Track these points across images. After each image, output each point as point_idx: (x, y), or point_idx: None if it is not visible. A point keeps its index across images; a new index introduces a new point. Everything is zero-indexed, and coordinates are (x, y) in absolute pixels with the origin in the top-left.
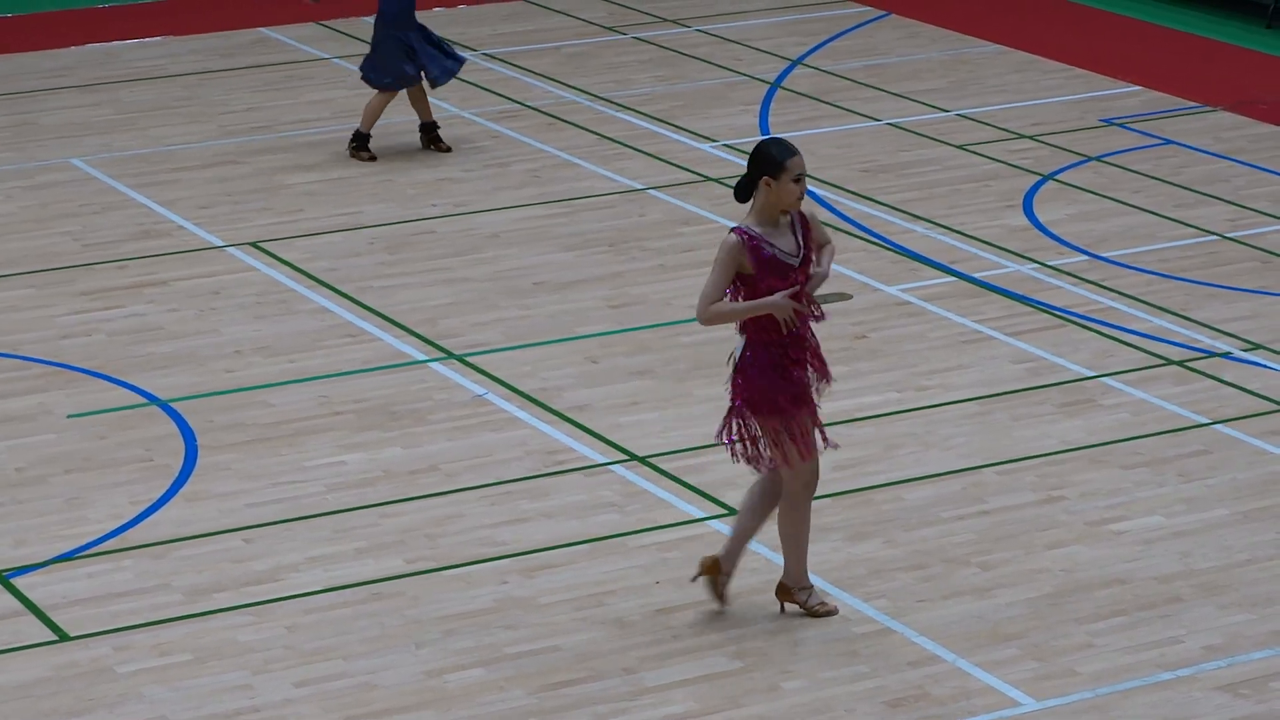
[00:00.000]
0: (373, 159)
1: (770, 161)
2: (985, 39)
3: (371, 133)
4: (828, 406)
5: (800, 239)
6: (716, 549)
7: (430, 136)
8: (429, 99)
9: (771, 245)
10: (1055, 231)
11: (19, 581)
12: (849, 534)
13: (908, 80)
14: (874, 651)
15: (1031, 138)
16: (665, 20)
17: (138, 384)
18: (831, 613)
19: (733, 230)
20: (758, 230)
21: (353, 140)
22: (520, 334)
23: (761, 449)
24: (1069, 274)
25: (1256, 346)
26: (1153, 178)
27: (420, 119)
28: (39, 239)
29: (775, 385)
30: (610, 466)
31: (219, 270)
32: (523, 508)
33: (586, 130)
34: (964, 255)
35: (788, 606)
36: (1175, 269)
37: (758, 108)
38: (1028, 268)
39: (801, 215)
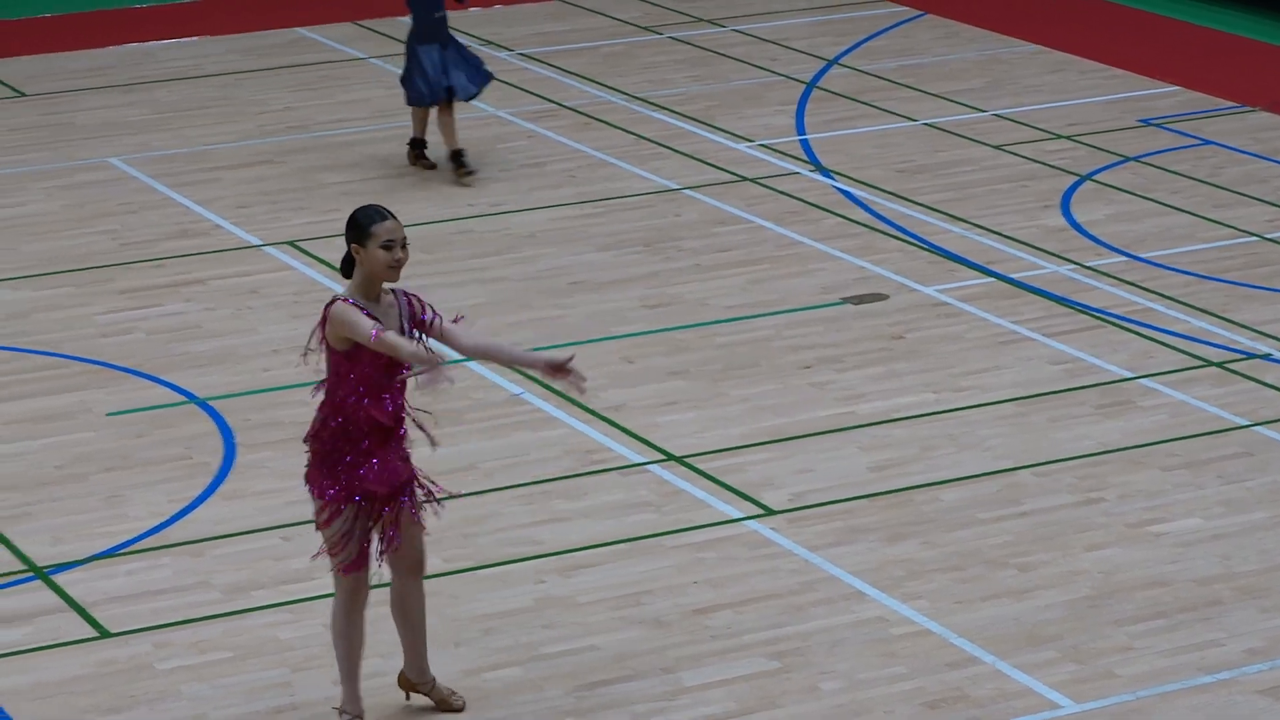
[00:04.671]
0: (431, 167)
1: (355, 227)
2: (1022, 39)
3: (426, 139)
4: (864, 407)
5: (407, 324)
6: (752, 549)
7: (456, 163)
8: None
9: (377, 321)
10: (1093, 232)
11: (59, 578)
12: (886, 535)
13: (944, 80)
14: (912, 652)
15: (1069, 138)
16: (701, 20)
17: (176, 382)
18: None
19: (335, 299)
20: (361, 303)
21: (409, 145)
22: (556, 334)
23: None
24: (1107, 275)
25: None
26: (1191, 178)
27: (446, 146)
28: (77, 238)
29: (341, 461)
30: (647, 466)
31: (256, 269)
32: (559, 507)
33: (622, 130)
34: (1001, 256)
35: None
36: (1214, 270)
37: (794, 108)
38: (1065, 268)
39: (410, 302)
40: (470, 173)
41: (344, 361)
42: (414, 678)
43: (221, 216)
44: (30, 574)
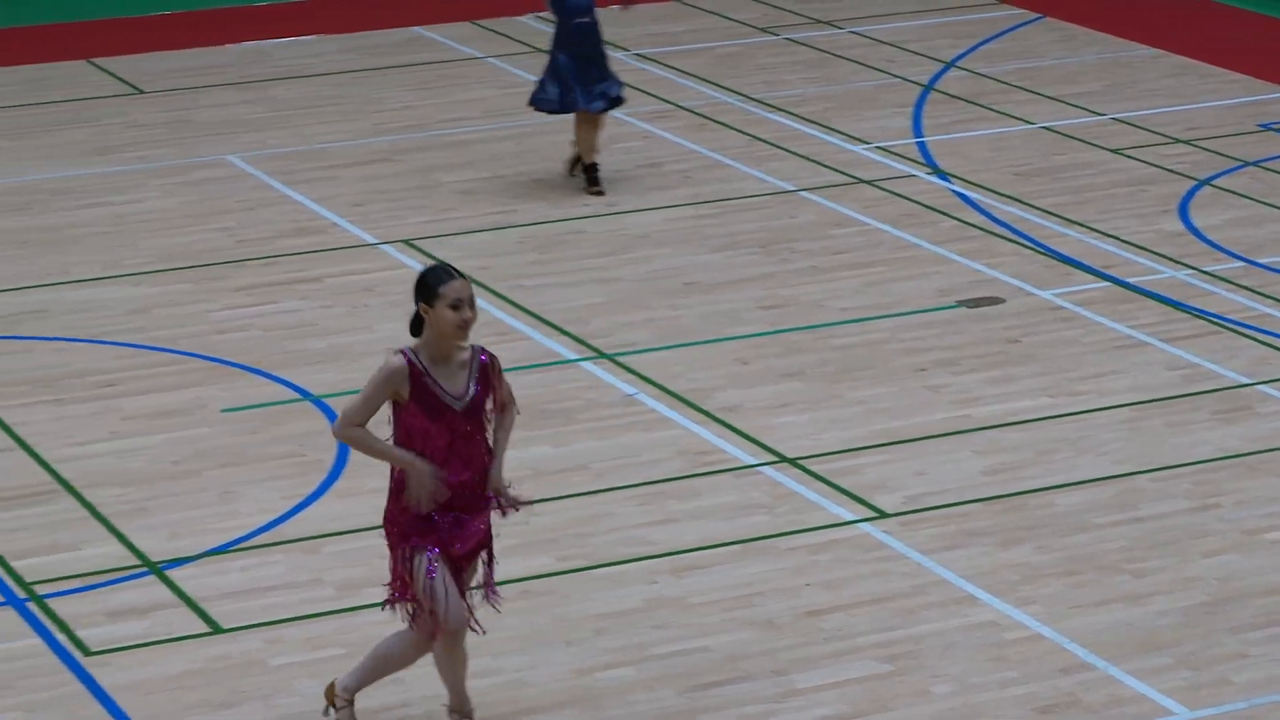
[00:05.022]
0: (599, 193)
1: (423, 288)
2: (1141, 42)
3: (594, 161)
4: (980, 410)
5: (474, 383)
6: (865, 552)
7: (588, 176)
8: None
9: (435, 381)
10: (1211, 237)
11: (173, 574)
12: (1000, 539)
13: (1062, 83)
14: (1025, 657)
15: (1188, 142)
16: (818, 21)
17: (291, 379)
18: None
19: (398, 352)
20: (425, 362)
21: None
22: (671, 334)
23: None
24: (1225, 280)
25: None
26: None
27: (583, 157)
28: (195, 235)
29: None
30: (760, 468)
31: (372, 267)
32: (672, 508)
33: (738, 131)
34: (1118, 260)
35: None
36: None
37: (911, 110)
38: (1183, 273)
39: (485, 362)
40: (600, 191)
41: (395, 414)
42: (339, 693)
43: (338, 214)
44: (145, 569)
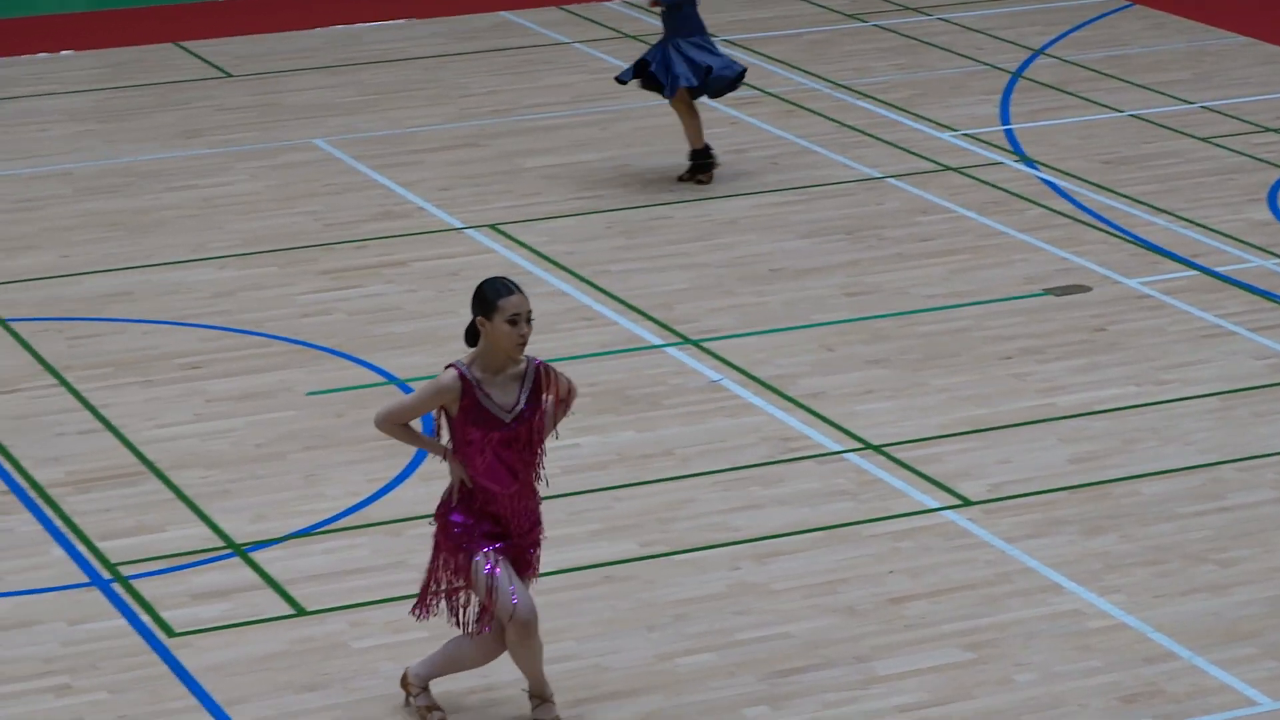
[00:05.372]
0: (702, 181)
1: (481, 301)
2: (1231, 30)
3: (704, 145)
4: (1065, 399)
5: (525, 396)
6: (949, 539)
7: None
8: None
9: (486, 394)
10: None
11: (257, 556)
12: (1085, 527)
13: (1151, 71)
14: (1108, 646)
15: (1277, 131)
16: (906, 8)
17: (376, 363)
18: None
19: (450, 366)
20: (477, 374)
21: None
22: (756, 320)
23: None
24: None
25: None
26: None
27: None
28: (282, 218)
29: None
30: (844, 454)
31: (458, 252)
32: (756, 494)
33: (825, 118)
34: (1206, 249)
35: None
36: None
37: (998, 97)
38: (1271, 262)
39: (542, 372)
40: (686, 179)
41: (450, 425)
42: (412, 681)
43: (424, 199)
44: (229, 551)
